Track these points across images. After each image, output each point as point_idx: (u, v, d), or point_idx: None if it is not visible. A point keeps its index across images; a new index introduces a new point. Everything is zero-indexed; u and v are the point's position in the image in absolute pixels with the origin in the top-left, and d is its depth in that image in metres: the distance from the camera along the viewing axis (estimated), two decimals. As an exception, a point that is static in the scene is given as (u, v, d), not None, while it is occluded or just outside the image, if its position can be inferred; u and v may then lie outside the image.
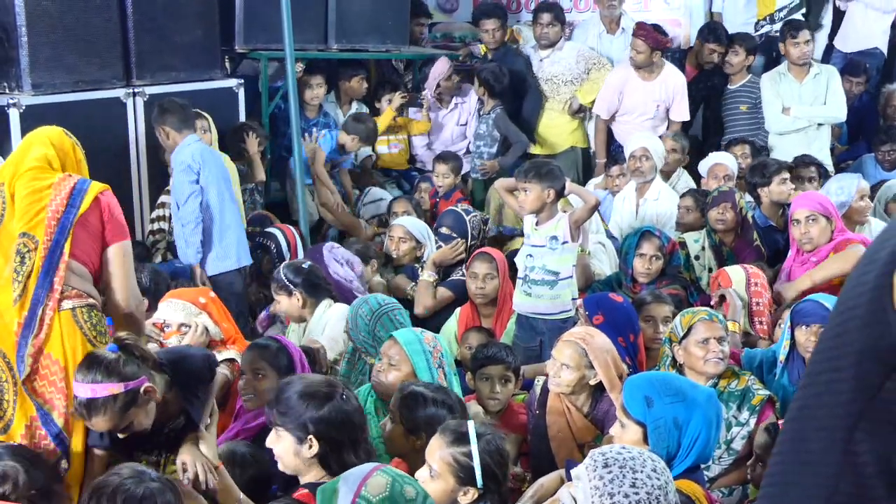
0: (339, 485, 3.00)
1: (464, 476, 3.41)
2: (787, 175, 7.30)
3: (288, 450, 3.51)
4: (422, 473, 3.46)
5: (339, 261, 6.18)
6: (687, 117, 8.99)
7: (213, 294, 5.28)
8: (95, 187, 4.31)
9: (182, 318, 5.05)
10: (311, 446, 3.46)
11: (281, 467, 3.62)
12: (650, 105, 8.83)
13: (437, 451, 3.46)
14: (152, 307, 5.31)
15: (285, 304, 5.73)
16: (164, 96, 7.23)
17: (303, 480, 3.55)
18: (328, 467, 3.49)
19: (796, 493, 1.02)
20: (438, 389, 4.06)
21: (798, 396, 1.08)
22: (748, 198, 7.45)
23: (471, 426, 3.51)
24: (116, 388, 3.75)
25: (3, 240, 4.18)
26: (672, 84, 8.84)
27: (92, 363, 3.84)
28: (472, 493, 3.42)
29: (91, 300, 4.24)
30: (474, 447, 3.44)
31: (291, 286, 5.66)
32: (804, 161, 7.92)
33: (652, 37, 8.61)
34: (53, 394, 4.10)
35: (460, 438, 3.47)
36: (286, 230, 6.76)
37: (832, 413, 1.02)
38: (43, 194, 4.22)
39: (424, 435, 3.75)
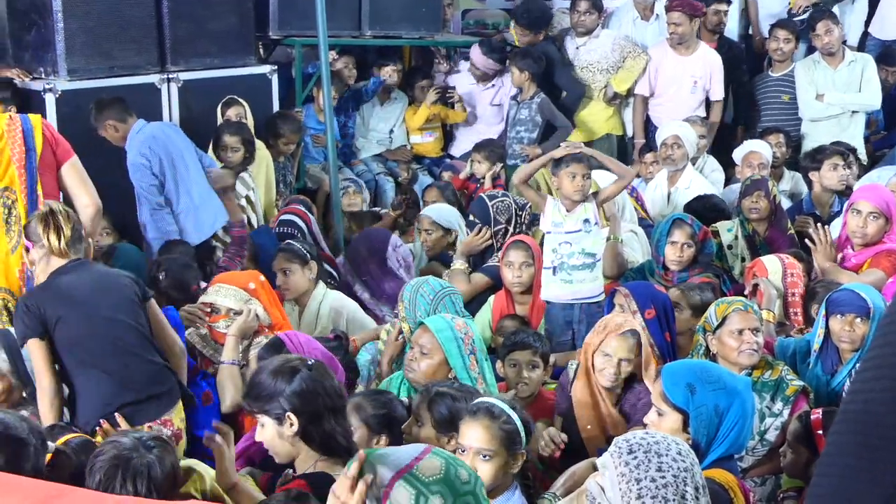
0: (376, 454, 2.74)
1: (510, 444, 3.47)
2: (840, 161, 7.27)
3: (273, 435, 3.48)
4: (472, 463, 3.43)
5: (399, 261, 6.19)
6: (722, 96, 9.01)
7: (262, 278, 5.29)
8: (38, 122, 4.74)
9: (232, 304, 5.06)
10: (291, 423, 3.43)
11: (275, 458, 3.58)
12: (687, 80, 8.84)
13: (485, 431, 3.47)
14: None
15: (297, 275, 5.83)
16: (198, 82, 7.32)
17: (297, 465, 3.53)
18: (311, 442, 3.45)
19: (856, 488, 1.01)
20: (462, 388, 4.06)
21: (858, 389, 1.06)
22: (802, 185, 7.42)
23: (493, 399, 3.59)
24: None
25: None
26: (709, 61, 8.90)
27: None
28: (521, 456, 3.50)
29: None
30: (511, 412, 3.50)
31: (308, 257, 5.83)
32: (839, 147, 7.87)
33: (688, 4, 8.64)
34: None
35: (495, 411, 3.52)
36: (301, 214, 6.77)
37: None
38: (1, 145, 4.60)
39: (457, 434, 3.71)
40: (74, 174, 4.88)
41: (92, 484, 3.21)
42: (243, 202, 7.03)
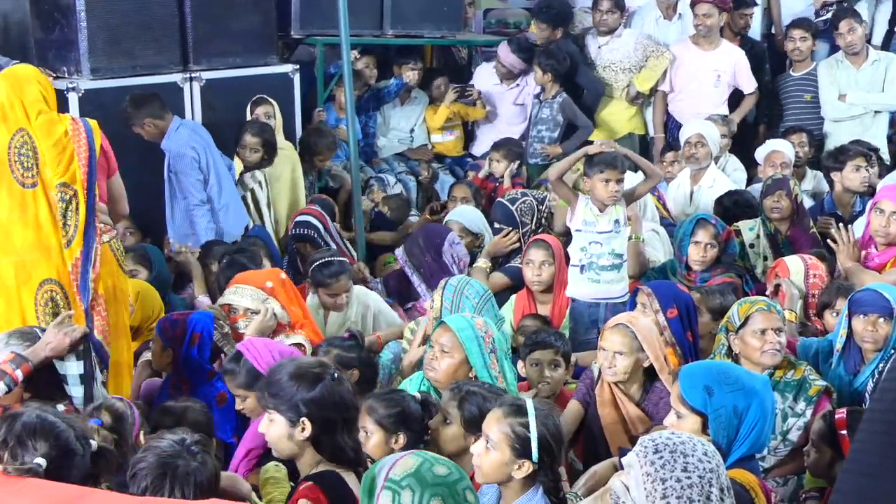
0: (376, 469, 2.97)
1: (520, 448, 3.42)
2: (863, 163, 7.23)
3: (281, 434, 3.51)
4: (478, 446, 3.47)
5: (454, 258, 6.19)
6: (754, 87, 8.94)
7: (282, 276, 5.29)
8: (96, 126, 4.90)
9: (249, 304, 5.07)
10: (303, 428, 3.45)
11: (275, 452, 3.62)
12: (710, 75, 8.78)
13: (495, 422, 3.47)
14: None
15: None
16: (220, 81, 7.36)
17: (299, 465, 3.55)
18: (321, 450, 3.48)
19: (881, 486, 1.01)
20: (492, 388, 4.06)
21: (886, 388, 1.06)
22: (824, 184, 7.37)
23: (528, 401, 3.54)
24: None
25: (44, 188, 4.73)
26: (733, 56, 8.86)
27: None
28: (527, 467, 3.42)
29: (115, 230, 5.13)
30: (532, 420, 3.44)
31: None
32: (860, 146, 7.83)
33: None
34: (99, 322, 4.79)
35: (518, 411, 3.48)
36: (317, 214, 6.77)
37: None
38: (65, 142, 4.74)
39: None
40: (118, 184, 5.14)
41: (137, 490, 3.19)
42: (248, 197, 7.07)
